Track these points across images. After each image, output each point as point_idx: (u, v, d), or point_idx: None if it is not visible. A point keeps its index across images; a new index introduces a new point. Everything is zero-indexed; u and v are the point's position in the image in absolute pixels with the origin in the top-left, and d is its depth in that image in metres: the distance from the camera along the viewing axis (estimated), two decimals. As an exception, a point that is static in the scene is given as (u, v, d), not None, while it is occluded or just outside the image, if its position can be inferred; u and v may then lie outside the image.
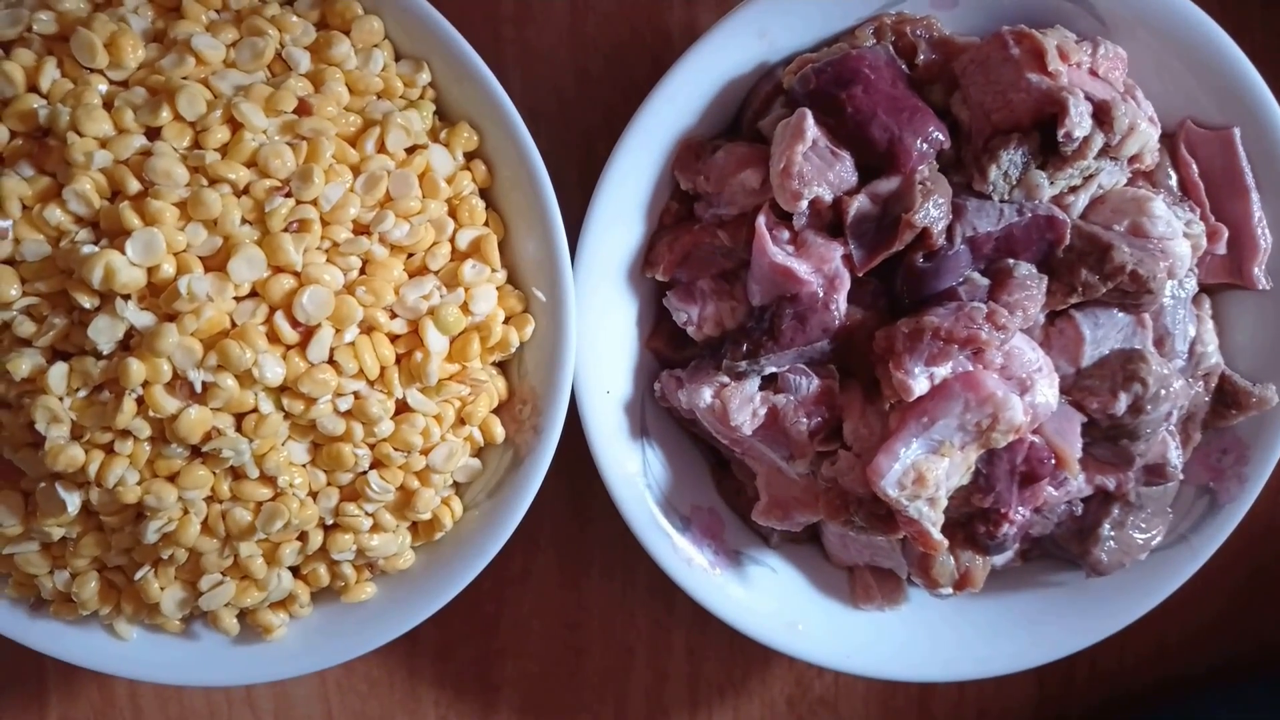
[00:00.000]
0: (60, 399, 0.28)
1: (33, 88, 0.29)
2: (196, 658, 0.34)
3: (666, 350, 0.36)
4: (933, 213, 0.30)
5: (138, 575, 0.31)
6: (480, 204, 0.32)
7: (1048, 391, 0.31)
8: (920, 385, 0.30)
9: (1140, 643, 0.42)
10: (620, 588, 0.41)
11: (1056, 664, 0.37)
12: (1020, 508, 0.32)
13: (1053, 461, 0.32)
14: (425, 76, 0.32)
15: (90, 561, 0.32)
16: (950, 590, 0.35)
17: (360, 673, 0.41)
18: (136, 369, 0.28)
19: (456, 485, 0.34)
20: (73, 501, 0.29)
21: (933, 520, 0.31)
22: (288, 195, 0.29)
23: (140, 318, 0.28)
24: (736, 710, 0.42)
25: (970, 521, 0.33)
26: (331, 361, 0.30)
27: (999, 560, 0.36)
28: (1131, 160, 0.33)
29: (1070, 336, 0.32)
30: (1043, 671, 0.41)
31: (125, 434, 0.29)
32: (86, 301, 0.28)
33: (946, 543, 0.31)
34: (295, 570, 0.33)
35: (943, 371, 0.31)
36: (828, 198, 0.31)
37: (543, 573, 0.41)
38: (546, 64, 0.38)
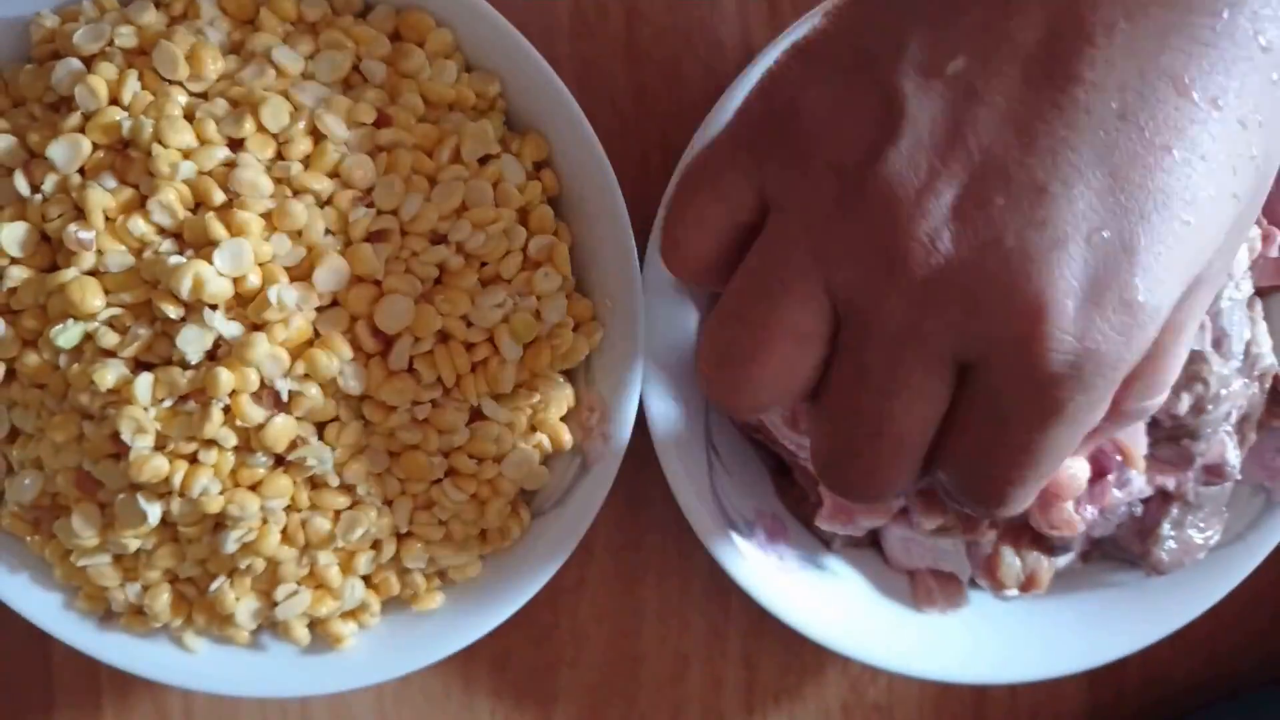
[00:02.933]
0: (145, 409, 0.28)
1: (114, 100, 0.29)
2: (264, 669, 0.34)
3: (728, 357, 0.36)
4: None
5: (213, 586, 0.31)
6: (550, 212, 0.33)
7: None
8: None
9: (1192, 646, 0.42)
10: (676, 595, 0.41)
11: (1108, 669, 0.38)
12: (1088, 506, 0.33)
13: (1119, 459, 0.33)
14: (496, 87, 0.32)
15: (163, 573, 0.32)
16: (1016, 592, 0.35)
17: (417, 684, 0.41)
18: (226, 378, 0.28)
19: (524, 493, 0.34)
20: (154, 513, 0.30)
21: None
22: (369, 205, 0.30)
23: (229, 328, 0.28)
24: (792, 716, 0.42)
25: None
26: (410, 370, 0.30)
27: (1061, 562, 0.36)
28: (1187, 165, 0.34)
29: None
30: (1094, 676, 0.41)
31: (210, 444, 0.29)
32: (173, 312, 0.28)
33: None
34: (366, 579, 0.33)
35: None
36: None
37: (598, 581, 0.41)
38: (602, 77, 0.38)
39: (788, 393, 0.23)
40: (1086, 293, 0.20)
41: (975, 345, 0.21)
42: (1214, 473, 0.35)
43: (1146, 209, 0.20)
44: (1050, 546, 0.34)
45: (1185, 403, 0.33)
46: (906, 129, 0.21)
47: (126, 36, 0.30)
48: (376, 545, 0.32)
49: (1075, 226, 0.20)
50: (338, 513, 0.31)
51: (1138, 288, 0.20)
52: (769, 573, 0.36)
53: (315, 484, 0.30)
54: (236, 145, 0.29)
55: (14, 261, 0.29)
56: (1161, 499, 0.36)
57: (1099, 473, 0.32)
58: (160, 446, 0.29)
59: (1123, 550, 0.37)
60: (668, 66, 0.39)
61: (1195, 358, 0.33)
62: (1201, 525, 0.36)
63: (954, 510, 0.30)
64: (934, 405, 0.22)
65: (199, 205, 0.29)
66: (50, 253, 0.29)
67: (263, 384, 0.28)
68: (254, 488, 0.30)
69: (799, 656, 0.42)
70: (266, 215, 0.29)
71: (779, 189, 0.23)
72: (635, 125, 0.39)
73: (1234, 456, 0.35)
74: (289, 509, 0.30)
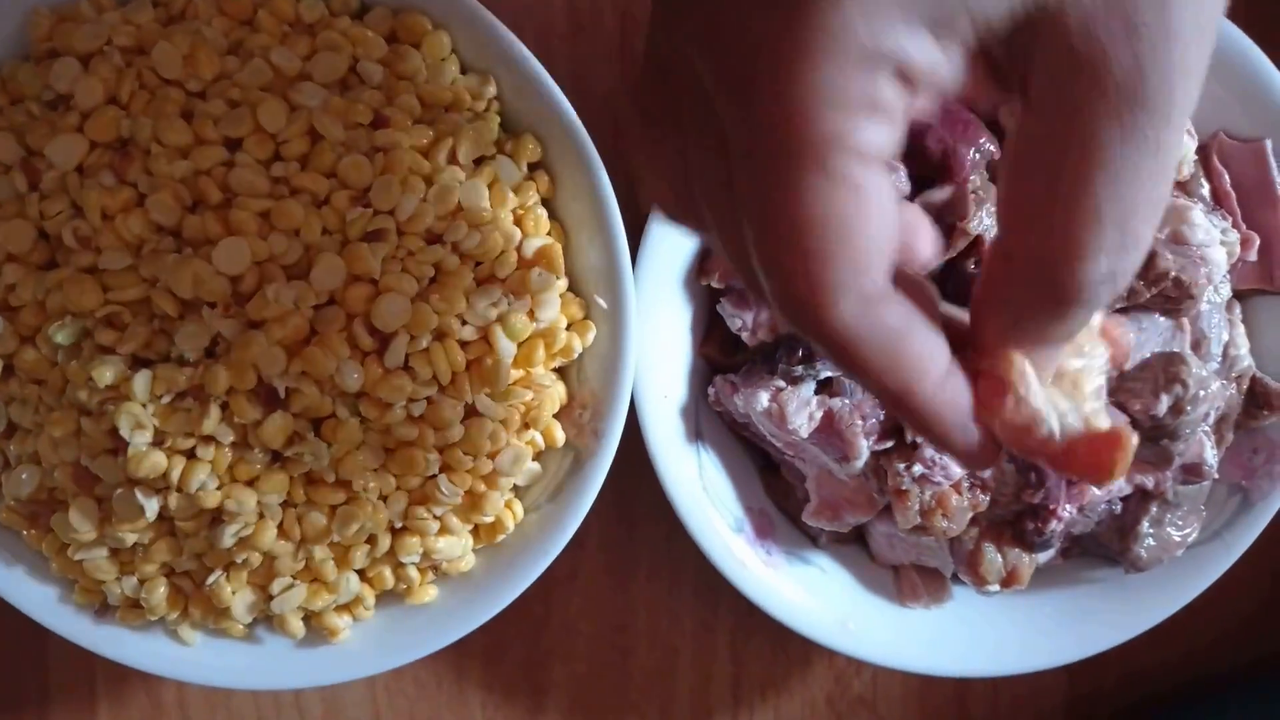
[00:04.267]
0: (144, 405, 0.29)
1: (112, 99, 0.30)
2: (260, 661, 0.34)
3: (718, 356, 0.36)
4: (985, 220, 0.32)
5: (209, 580, 0.32)
6: (544, 213, 0.33)
7: (1097, 393, 0.32)
8: None
9: (1169, 643, 0.43)
10: (666, 589, 0.42)
11: (1087, 664, 0.39)
12: (1067, 505, 0.33)
13: (1100, 460, 0.33)
14: (491, 89, 0.33)
15: (159, 567, 0.32)
16: (997, 587, 0.36)
17: (409, 675, 0.41)
18: (224, 375, 0.28)
19: (517, 489, 0.35)
20: (151, 507, 0.30)
21: None
22: (366, 205, 0.30)
23: (226, 325, 0.28)
24: (778, 709, 0.43)
25: (1019, 519, 0.34)
26: (406, 368, 0.31)
27: (1042, 558, 0.37)
28: (1169, 171, 0.34)
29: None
30: (1073, 671, 0.42)
31: (208, 440, 0.29)
32: (171, 309, 0.28)
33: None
34: (361, 573, 0.34)
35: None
36: (883, 207, 0.32)
37: (590, 575, 0.41)
38: (596, 79, 0.39)
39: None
40: None
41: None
42: (1192, 472, 0.36)
43: None
44: (1031, 543, 0.34)
45: (1164, 404, 0.34)
46: None
47: (124, 35, 0.30)
48: (372, 539, 0.33)
49: None
50: (334, 508, 0.31)
51: None
52: (757, 568, 0.36)
53: (312, 479, 0.31)
54: (234, 145, 0.30)
55: (12, 259, 0.30)
56: (1141, 498, 0.36)
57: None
58: (158, 442, 0.29)
59: (1102, 547, 0.37)
60: (660, 68, 0.39)
61: (1174, 359, 0.34)
62: (1180, 523, 0.37)
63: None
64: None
65: (197, 204, 0.29)
66: (49, 250, 0.30)
67: (260, 381, 0.29)
68: (251, 483, 0.30)
69: (785, 650, 0.42)
70: (264, 214, 0.29)
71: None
72: (627, 123, 0.39)
73: (1212, 456, 0.36)
74: (286, 504, 0.31)
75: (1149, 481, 0.36)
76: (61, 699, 0.40)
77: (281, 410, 0.29)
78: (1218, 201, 0.36)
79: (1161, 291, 0.33)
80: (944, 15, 0.17)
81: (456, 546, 0.34)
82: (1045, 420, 0.20)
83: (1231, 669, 0.44)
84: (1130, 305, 0.33)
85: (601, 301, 0.33)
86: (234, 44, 0.31)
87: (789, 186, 0.17)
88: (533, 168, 0.34)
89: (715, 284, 0.35)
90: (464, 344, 0.32)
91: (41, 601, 0.33)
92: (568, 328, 0.33)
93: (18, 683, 0.40)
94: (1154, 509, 0.36)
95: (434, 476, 0.32)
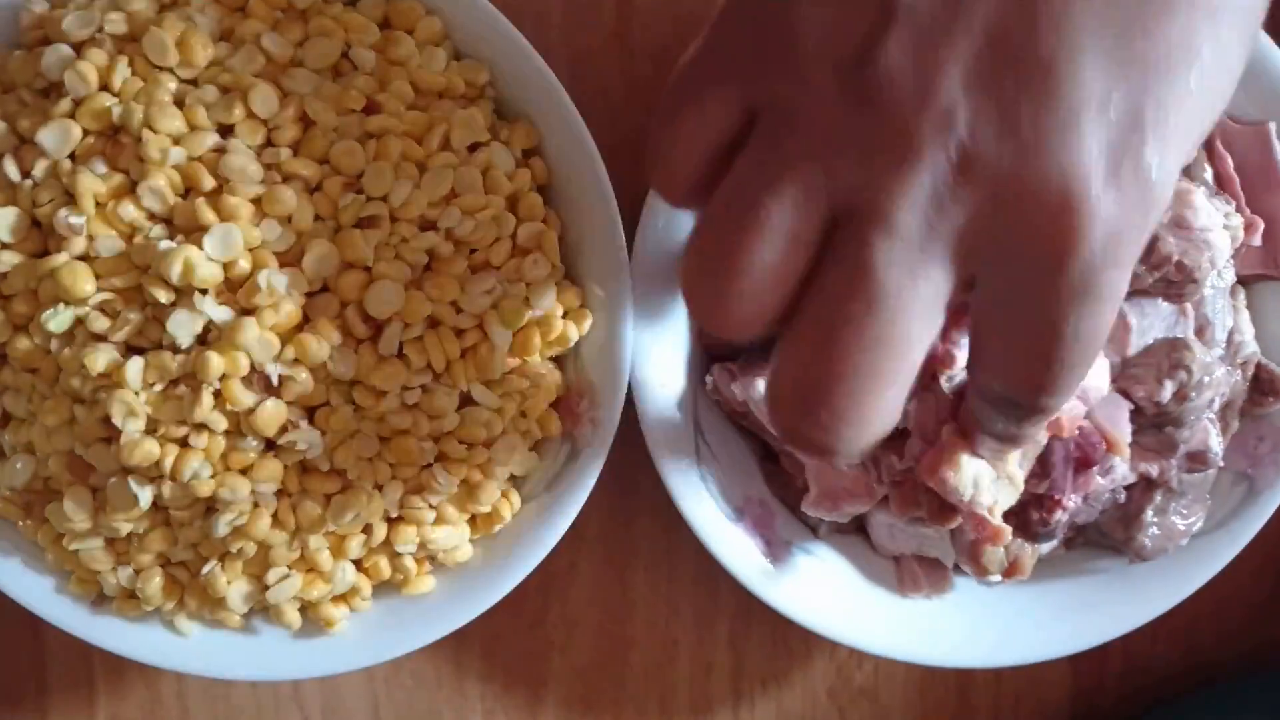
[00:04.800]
0: (136, 393, 0.29)
1: (104, 87, 0.30)
2: (256, 652, 0.34)
3: (716, 345, 0.36)
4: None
5: (205, 570, 0.32)
6: (539, 200, 0.33)
7: (1099, 376, 0.32)
8: (962, 356, 0.31)
9: (1174, 633, 0.43)
10: (665, 581, 0.41)
11: (1091, 656, 0.38)
12: (1072, 494, 0.33)
13: (1103, 447, 0.33)
14: (485, 75, 0.33)
15: (155, 557, 0.32)
16: (999, 578, 0.35)
17: (408, 669, 0.41)
18: (216, 362, 0.28)
19: (514, 478, 0.35)
20: (145, 496, 0.30)
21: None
22: (358, 192, 0.30)
23: (219, 312, 0.28)
24: (779, 701, 0.43)
25: (1024, 509, 0.34)
26: (400, 355, 0.31)
27: (1045, 548, 0.36)
28: (1172, 155, 0.34)
29: (1118, 325, 0.33)
30: (1077, 663, 0.42)
31: (201, 428, 0.29)
32: (163, 296, 0.28)
33: (1009, 530, 0.32)
34: (357, 563, 0.34)
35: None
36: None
37: (589, 567, 0.41)
38: (593, 66, 0.39)
39: (772, 305, 0.21)
40: (1106, 170, 0.20)
41: (998, 242, 0.20)
42: (1197, 460, 0.36)
43: (1151, 71, 0.20)
44: (1035, 533, 0.34)
45: (1168, 390, 0.33)
46: (902, 14, 0.20)
47: (116, 23, 0.30)
48: (367, 529, 0.33)
49: (1085, 100, 0.19)
50: (328, 497, 0.31)
51: (1150, 158, 0.20)
52: (756, 558, 0.36)
53: (306, 468, 0.31)
54: (226, 131, 0.30)
55: (5, 246, 0.29)
56: (1145, 486, 0.36)
57: (1084, 461, 0.33)
58: (151, 430, 0.29)
59: (1106, 536, 0.37)
60: (659, 56, 0.39)
61: (1178, 345, 0.34)
62: (1184, 512, 0.37)
63: (988, 434, 0.28)
64: (937, 314, 0.21)
65: (189, 190, 0.29)
66: (41, 238, 0.30)
67: (253, 368, 0.29)
68: (245, 471, 0.30)
69: (786, 642, 0.42)
70: (256, 200, 0.29)
71: (769, 96, 0.21)
72: (626, 115, 0.39)
73: (1216, 444, 0.36)
74: (280, 493, 0.31)
75: (1153, 469, 0.35)
76: (60, 691, 0.40)
77: (274, 398, 0.29)
78: (1221, 185, 0.36)
79: (1164, 276, 0.32)
80: None
81: (453, 536, 0.33)
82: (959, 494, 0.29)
83: (1236, 658, 0.44)
84: (1133, 290, 0.33)
85: (598, 289, 0.33)
86: (226, 30, 0.31)
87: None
88: (528, 154, 0.33)
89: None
90: (458, 332, 0.31)
91: (37, 592, 0.33)
92: (564, 316, 0.33)
93: (15, 675, 0.40)
94: (1158, 497, 0.36)
95: (429, 466, 0.32)
